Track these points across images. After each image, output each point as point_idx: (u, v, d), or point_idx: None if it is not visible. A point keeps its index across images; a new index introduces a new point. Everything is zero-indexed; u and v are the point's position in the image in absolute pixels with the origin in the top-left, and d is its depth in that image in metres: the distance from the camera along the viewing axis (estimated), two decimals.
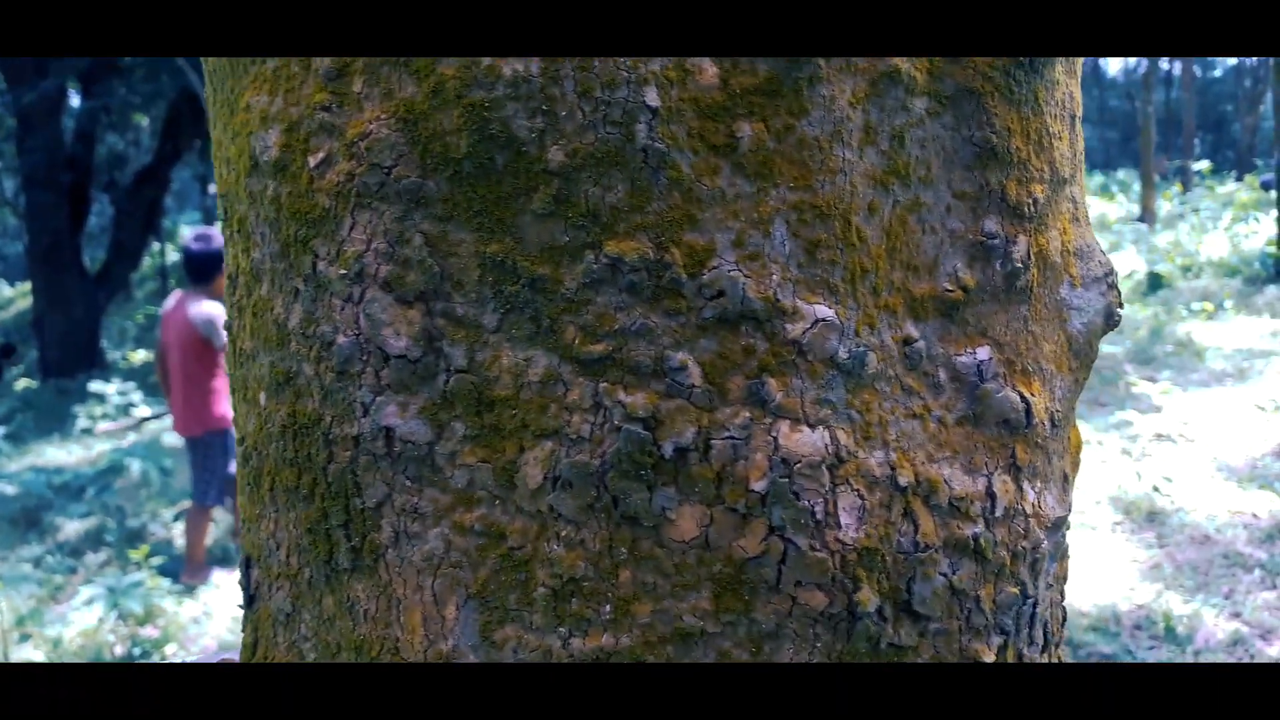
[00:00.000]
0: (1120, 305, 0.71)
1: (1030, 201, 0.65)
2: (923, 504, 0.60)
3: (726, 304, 0.56)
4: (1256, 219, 10.46)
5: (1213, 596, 3.22)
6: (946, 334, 0.62)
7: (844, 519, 0.58)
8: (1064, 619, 0.73)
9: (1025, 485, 0.65)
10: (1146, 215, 12.29)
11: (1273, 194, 8.44)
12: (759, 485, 0.56)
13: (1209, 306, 7.11)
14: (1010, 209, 0.64)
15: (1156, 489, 3.97)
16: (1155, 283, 8.06)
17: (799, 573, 0.57)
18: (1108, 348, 6.45)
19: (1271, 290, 7.52)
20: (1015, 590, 0.64)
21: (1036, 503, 0.65)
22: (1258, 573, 3.34)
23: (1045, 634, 0.68)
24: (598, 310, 0.56)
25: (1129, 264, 9.25)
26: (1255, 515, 3.80)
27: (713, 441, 0.56)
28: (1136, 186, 13.86)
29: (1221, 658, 2.85)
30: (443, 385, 0.58)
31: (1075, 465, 0.71)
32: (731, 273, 0.56)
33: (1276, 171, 7.88)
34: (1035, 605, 0.66)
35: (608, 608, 0.57)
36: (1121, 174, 17.38)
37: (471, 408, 0.57)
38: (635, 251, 0.55)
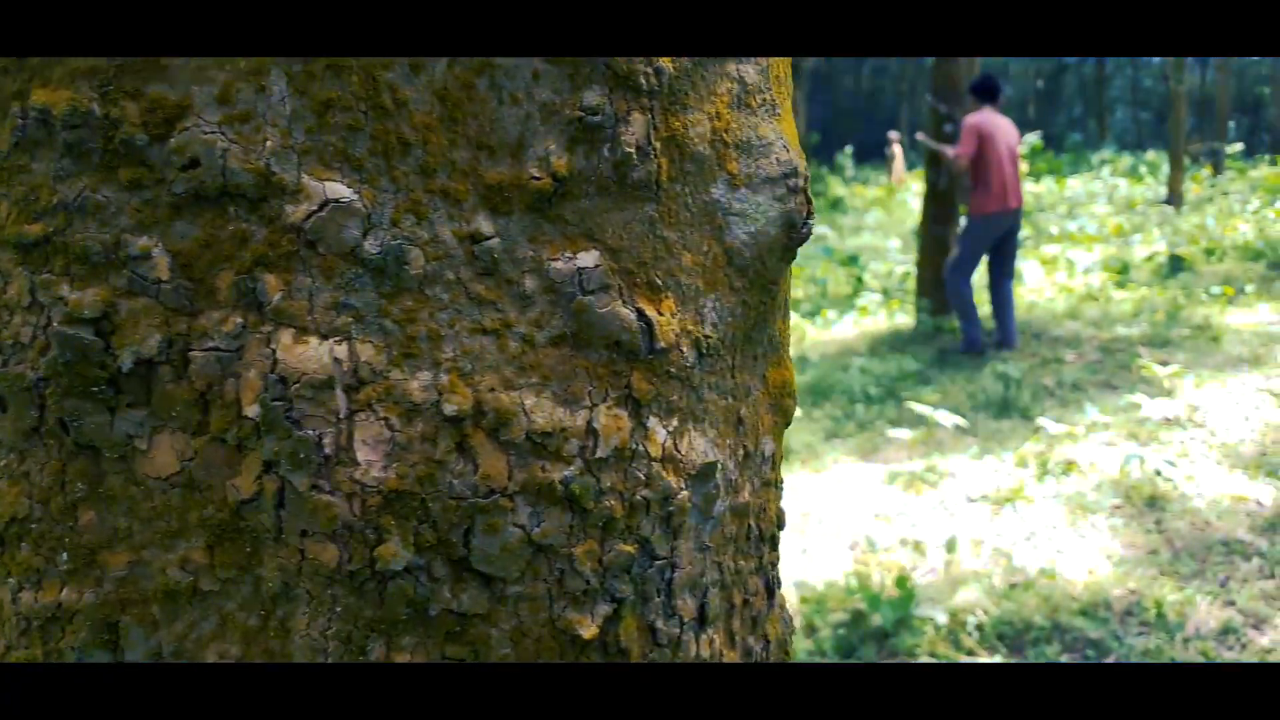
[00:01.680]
0: (809, 215, 0.58)
1: (651, 72, 0.52)
2: (487, 438, 0.49)
3: (204, 176, 0.44)
4: None
5: (1208, 584, 3.13)
6: (538, 233, 0.51)
7: (363, 454, 0.47)
8: (769, 592, 0.61)
9: (652, 423, 0.54)
10: (1174, 197, 12.01)
11: None
12: (252, 411, 0.46)
13: (1229, 290, 6.93)
14: (620, 79, 0.51)
15: (1159, 473, 3.87)
16: (1176, 265, 7.87)
17: (302, 520, 0.47)
18: (1122, 330, 6.31)
19: None
20: (631, 549, 0.53)
21: (671, 445, 0.54)
22: (1256, 561, 3.25)
23: (702, 608, 0.56)
24: (32, 180, 0.44)
25: (1152, 246, 9.05)
26: (1259, 503, 3.70)
27: (192, 353, 0.45)
28: (1166, 168, 13.54)
29: (1211, 646, 2.78)
30: None
31: (781, 411, 0.60)
32: (208, 135, 0.44)
33: None
34: (674, 569, 0.55)
35: (64, 555, 0.46)
36: (1151, 155, 17.01)
37: None
38: (69, 103, 0.43)
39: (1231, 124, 22.70)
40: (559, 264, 0.51)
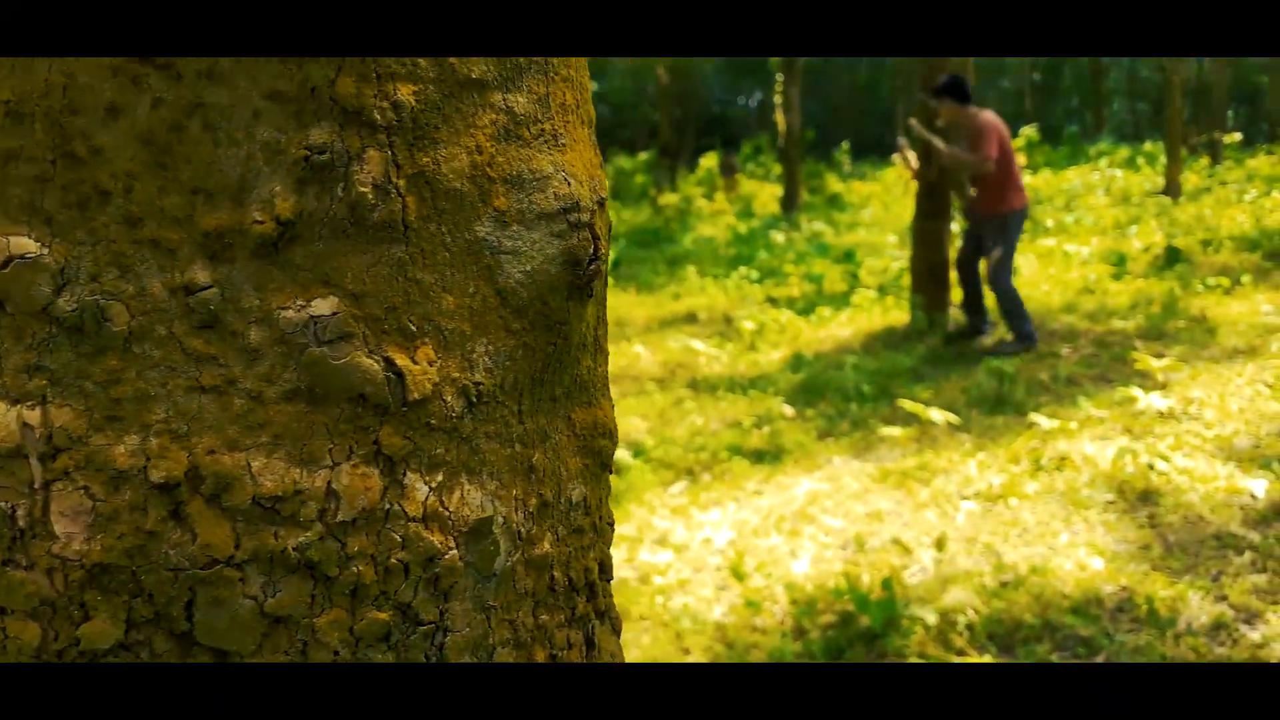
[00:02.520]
0: (596, 252, 0.54)
1: (387, 106, 0.49)
2: (206, 505, 0.46)
3: None
4: None
5: (1200, 578, 3.10)
6: (265, 281, 0.47)
7: (62, 526, 0.44)
8: (589, 643, 0.58)
9: (410, 479, 0.50)
10: (1171, 188, 11.97)
11: None
12: None
13: (1224, 281, 6.89)
14: (350, 115, 0.48)
15: (1152, 467, 3.84)
16: (1173, 256, 7.84)
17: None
18: (1118, 323, 6.28)
19: None
20: (385, 616, 0.49)
21: (436, 502, 0.50)
22: (1248, 555, 3.22)
23: None
24: None
25: (1149, 238, 9.01)
26: (1253, 495, 3.66)
27: None
28: (1163, 159, 13.49)
29: (1203, 642, 2.75)
30: None
31: (593, 453, 0.56)
32: None
33: None
34: (445, 633, 0.52)
35: None
36: (1149, 146, 16.96)
37: None
38: None
39: (1230, 114, 22.62)
40: (290, 313, 0.47)
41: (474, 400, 0.52)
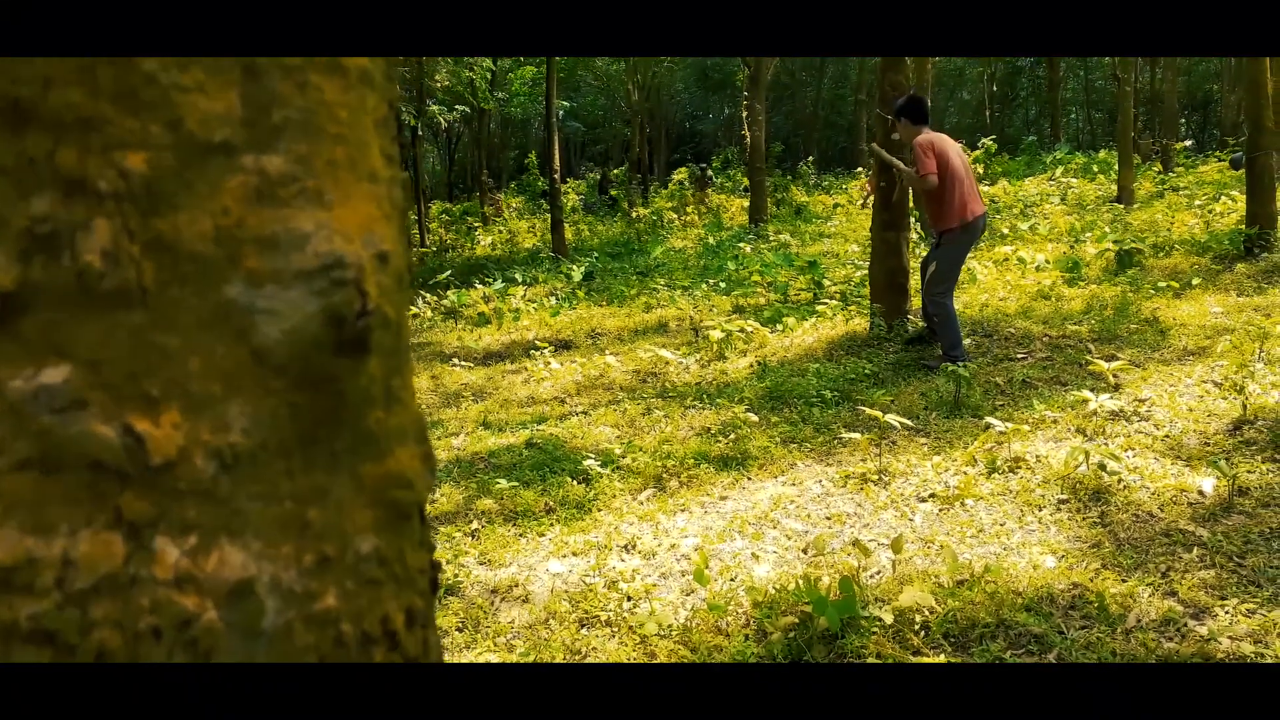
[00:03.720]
0: (364, 308, 0.53)
1: (115, 174, 0.48)
2: None
3: None
4: (1231, 198, 10.43)
5: (1150, 575, 3.18)
6: None
7: None
8: None
9: (159, 543, 0.49)
10: (1124, 195, 12.25)
11: (1242, 172, 8.39)
12: None
13: (1174, 284, 7.07)
14: (75, 185, 0.48)
15: (1103, 467, 3.93)
16: (1124, 261, 8.02)
17: None
18: (1072, 327, 6.42)
19: (1240, 267, 7.48)
20: None
21: (190, 565, 0.50)
22: (1196, 551, 3.31)
23: None
24: None
25: (1102, 244, 9.21)
26: (1201, 492, 3.77)
27: None
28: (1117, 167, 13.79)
29: (1152, 637, 2.82)
30: None
31: (388, 505, 0.56)
32: None
33: (1245, 149, 7.82)
34: None
35: None
36: (1104, 154, 17.34)
37: None
38: None
39: (1182, 122, 23.15)
40: (18, 383, 0.47)
41: (229, 462, 0.51)
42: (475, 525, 4.28)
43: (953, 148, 5.80)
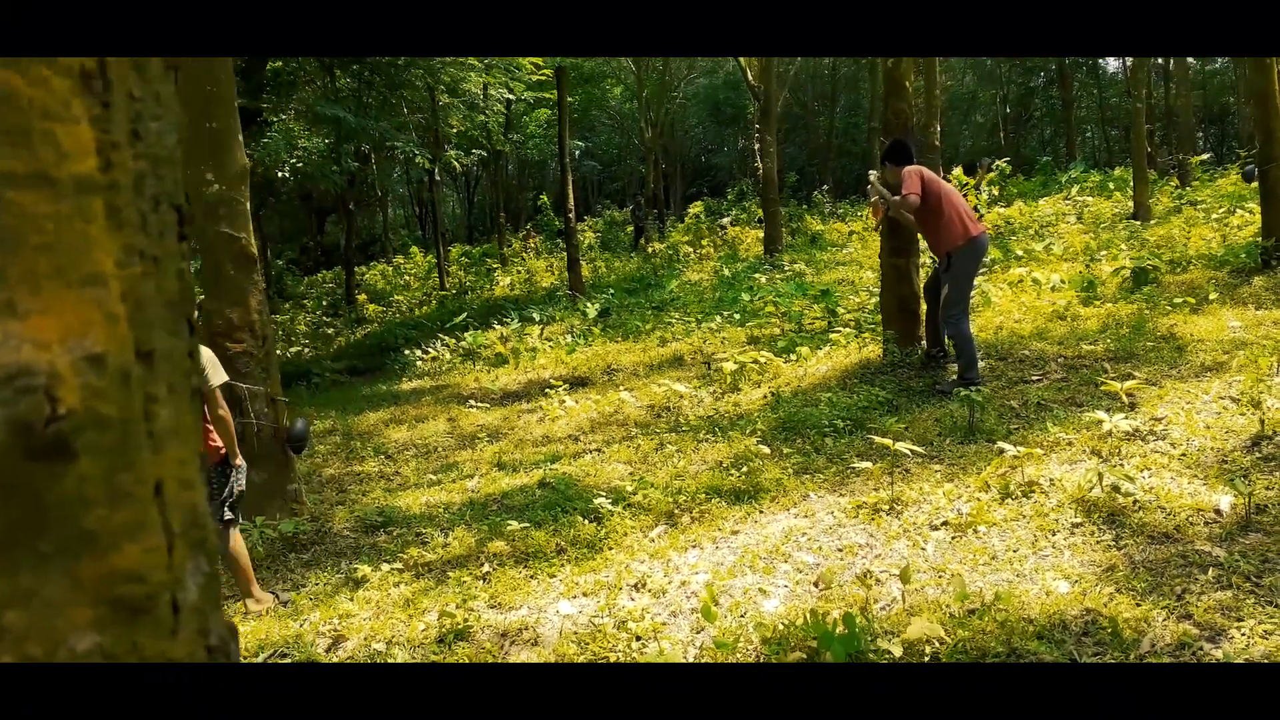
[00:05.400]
0: (54, 414, 0.53)
1: None
2: None
3: None
4: (1247, 210, 10.32)
5: (1165, 597, 3.12)
6: None
7: None
8: None
9: None
10: (1140, 211, 12.16)
11: (1257, 185, 8.31)
12: None
13: (1191, 299, 6.99)
14: None
15: (1118, 488, 3.88)
16: (1140, 278, 7.95)
17: None
18: (1088, 346, 6.35)
19: (1258, 280, 7.38)
20: None
21: None
22: (1213, 571, 3.24)
23: None
24: None
25: (1118, 262, 9.13)
26: (1218, 511, 3.70)
27: None
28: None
29: (1167, 661, 2.76)
30: None
31: (113, 601, 0.57)
32: None
33: (1257, 161, 7.76)
34: None
35: None
36: (1119, 171, 17.24)
37: None
38: None
39: (1200, 135, 22.96)
40: None
41: None
42: (487, 568, 4.29)
43: (936, 174, 6.01)
